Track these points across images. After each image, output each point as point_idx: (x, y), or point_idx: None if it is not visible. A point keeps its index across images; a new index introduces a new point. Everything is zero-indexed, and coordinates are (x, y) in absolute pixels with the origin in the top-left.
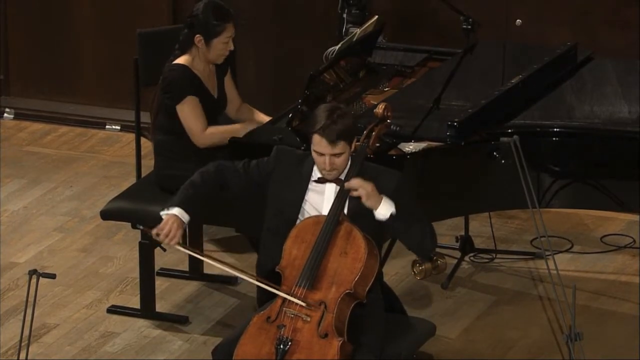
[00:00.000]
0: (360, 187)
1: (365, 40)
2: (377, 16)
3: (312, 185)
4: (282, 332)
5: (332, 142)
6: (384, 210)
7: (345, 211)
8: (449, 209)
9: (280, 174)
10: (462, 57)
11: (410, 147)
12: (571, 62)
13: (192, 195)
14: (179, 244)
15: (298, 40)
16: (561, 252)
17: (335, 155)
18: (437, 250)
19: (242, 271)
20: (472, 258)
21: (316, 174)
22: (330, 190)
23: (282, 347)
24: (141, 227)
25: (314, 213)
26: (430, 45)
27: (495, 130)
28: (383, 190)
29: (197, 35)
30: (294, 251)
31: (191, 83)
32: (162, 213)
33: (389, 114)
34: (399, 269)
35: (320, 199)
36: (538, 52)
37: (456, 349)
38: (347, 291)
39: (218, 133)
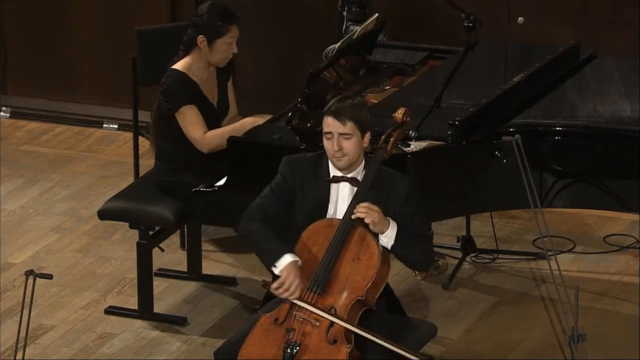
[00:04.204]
0: (368, 215)
1: (365, 38)
2: (377, 14)
3: (332, 188)
4: (290, 336)
5: (340, 119)
6: (388, 237)
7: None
8: (450, 209)
9: (300, 185)
10: (464, 55)
11: (411, 146)
12: (574, 60)
13: (279, 238)
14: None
15: (298, 38)
16: (563, 252)
17: (343, 135)
18: (438, 250)
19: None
20: (473, 258)
21: (331, 172)
22: (344, 192)
23: (289, 351)
24: (262, 280)
25: (332, 211)
26: (431, 44)
27: (497, 129)
28: (396, 193)
29: (200, 36)
30: (305, 254)
31: (186, 91)
32: (275, 269)
33: (407, 119)
34: (400, 270)
35: (335, 200)
36: (540, 50)
37: (457, 350)
38: (358, 298)
39: (218, 136)
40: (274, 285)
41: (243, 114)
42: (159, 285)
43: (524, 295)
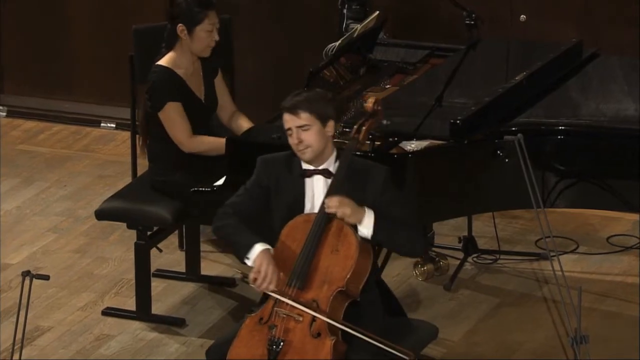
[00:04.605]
0: (338, 209)
1: (366, 36)
2: (377, 12)
3: (306, 182)
4: (273, 333)
5: (294, 112)
6: (366, 227)
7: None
8: (452, 209)
9: (275, 183)
10: (465, 53)
11: (412, 145)
12: (576, 58)
13: (249, 229)
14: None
15: (298, 38)
16: (566, 252)
17: (301, 128)
18: (440, 251)
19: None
20: (475, 259)
21: (303, 167)
22: (319, 185)
23: (274, 348)
24: (240, 273)
25: (309, 207)
26: (432, 42)
27: (499, 128)
28: (373, 182)
29: (180, 25)
30: (285, 251)
31: (172, 87)
32: (248, 260)
33: (379, 108)
34: (401, 270)
35: (311, 195)
36: (542, 48)
37: (459, 352)
38: (339, 289)
39: (205, 144)
40: (251, 276)
41: (243, 112)
42: (157, 286)
43: (526, 296)
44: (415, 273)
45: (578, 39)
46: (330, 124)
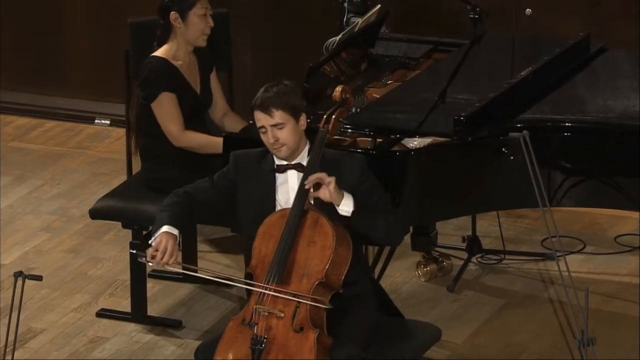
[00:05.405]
0: (324, 181)
1: (367, 30)
2: (379, 5)
3: (278, 178)
4: (255, 331)
5: (267, 111)
6: (346, 206)
7: (312, 200)
8: (455, 208)
9: (244, 178)
10: (469, 48)
11: (414, 142)
12: (584, 53)
13: (173, 213)
14: (177, 262)
15: (297, 31)
16: (573, 252)
17: (275, 126)
18: (443, 251)
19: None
20: (479, 259)
21: (276, 162)
22: (293, 179)
23: (257, 347)
24: (135, 252)
25: (283, 202)
26: (435, 36)
27: (504, 125)
28: (349, 172)
29: (173, 13)
30: (263, 249)
31: (167, 77)
32: (151, 240)
33: (347, 96)
34: (403, 271)
35: (286, 190)
36: (549, 42)
37: (463, 354)
38: (318, 281)
39: (197, 139)
40: (150, 251)
41: (242, 110)
42: (153, 287)
43: (531, 297)
44: (418, 274)
45: (585, 33)
46: (303, 117)
